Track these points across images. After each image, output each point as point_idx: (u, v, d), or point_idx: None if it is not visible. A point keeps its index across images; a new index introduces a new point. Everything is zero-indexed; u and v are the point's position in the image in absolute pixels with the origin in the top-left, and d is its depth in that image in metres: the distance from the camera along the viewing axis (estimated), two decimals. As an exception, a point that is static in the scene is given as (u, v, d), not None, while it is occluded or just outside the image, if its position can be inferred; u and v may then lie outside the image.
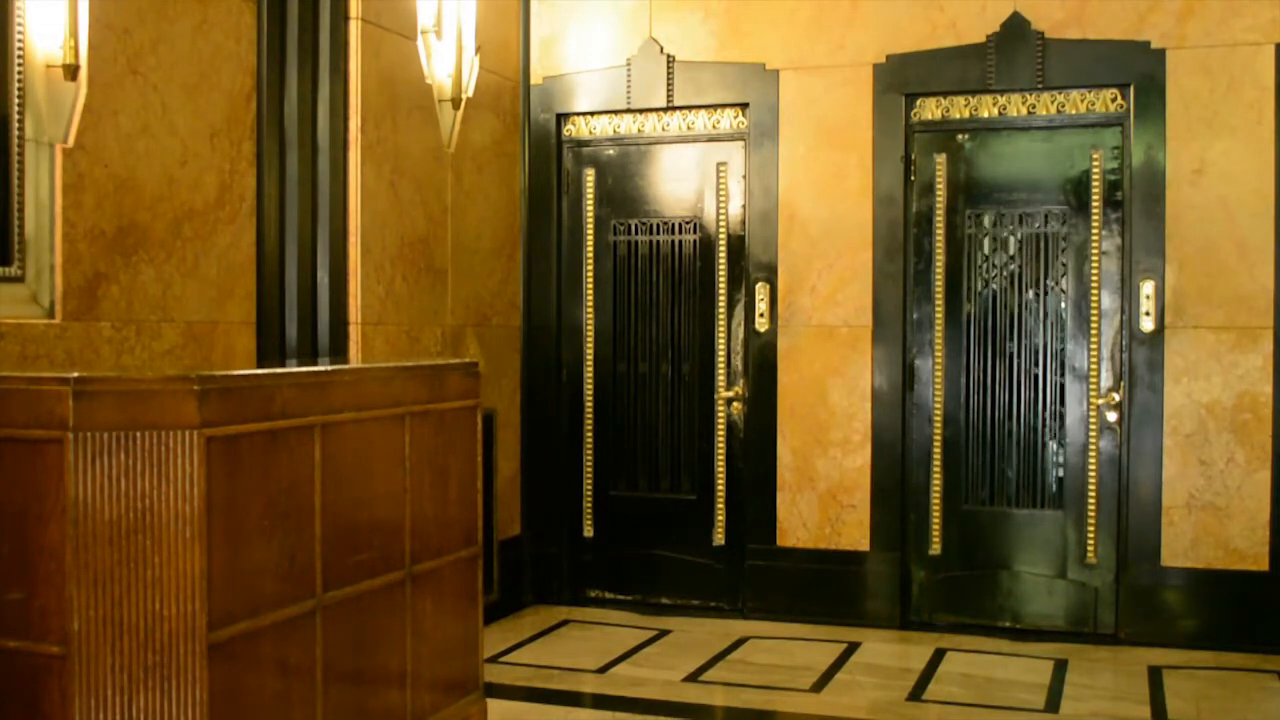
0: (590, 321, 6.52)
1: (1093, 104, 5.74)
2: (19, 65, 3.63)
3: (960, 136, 6.40)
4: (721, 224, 6.30)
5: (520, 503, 6.48)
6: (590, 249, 6.51)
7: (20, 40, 3.63)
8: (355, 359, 4.95)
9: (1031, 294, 6.39)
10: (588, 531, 6.53)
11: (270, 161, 4.70)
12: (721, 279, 6.30)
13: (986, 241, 6.33)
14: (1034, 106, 5.81)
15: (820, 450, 6.08)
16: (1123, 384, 5.71)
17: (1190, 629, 5.60)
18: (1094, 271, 5.91)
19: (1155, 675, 5.22)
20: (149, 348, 4.08)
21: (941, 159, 6.09)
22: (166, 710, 2.80)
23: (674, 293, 6.41)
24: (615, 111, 6.43)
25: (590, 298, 6.51)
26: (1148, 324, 5.60)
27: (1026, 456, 6.13)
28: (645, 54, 6.31)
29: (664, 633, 5.98)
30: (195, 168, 4.32)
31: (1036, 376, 6.42)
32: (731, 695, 5.05)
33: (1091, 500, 6.08)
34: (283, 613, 3.11)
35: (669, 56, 6.27)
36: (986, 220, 6.23)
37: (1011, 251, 6.27)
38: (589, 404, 6.53)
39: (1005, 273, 6.35)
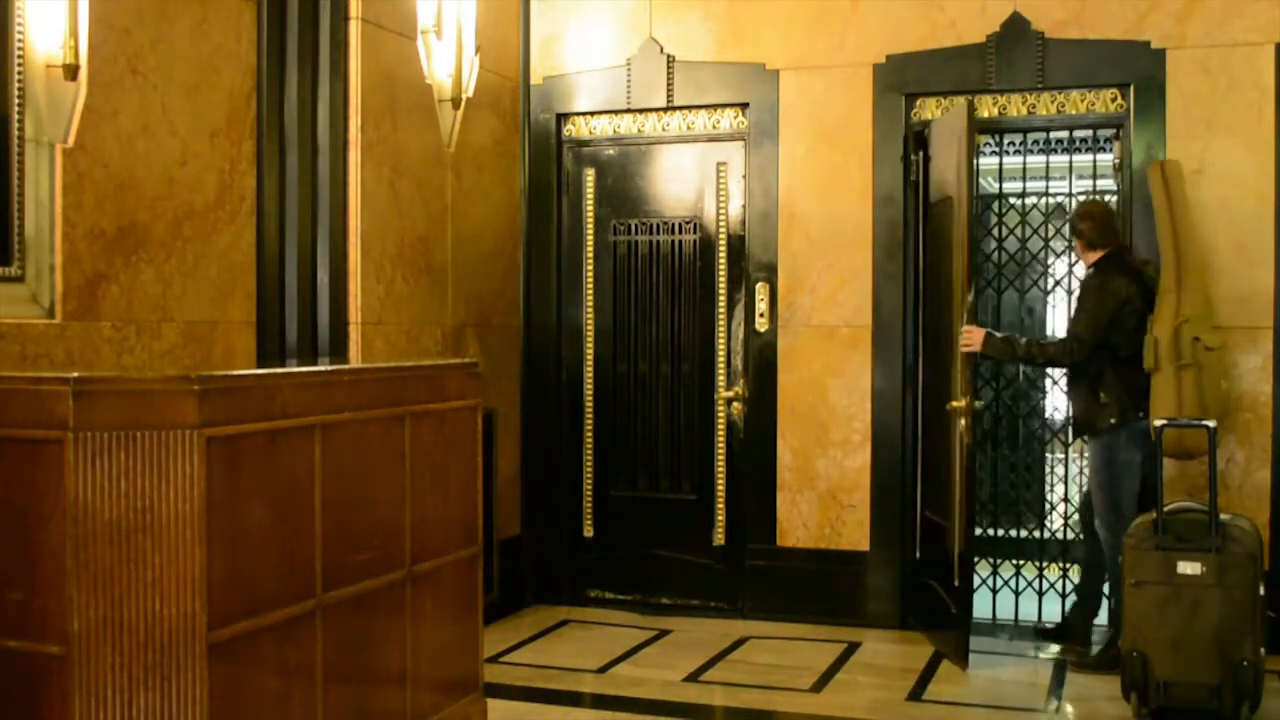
0: (590, 321, 6.51)
1: (1093, 104, 5.73)
2: (19, 65, 3.63)
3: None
4: (721, 224, 6.29)
5: (520, 503, 6.48)
6: (590, 249, 6.50)
7: (20, 40, 3.63)
8: (355, 359, 4.95)
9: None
10: (588, 531, 6.53)
11: (270, 161, 4.70)
12: (721, 279, 6.29)
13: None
14: (1034, 106, 5.80)
15: (820, 450, 6.07)
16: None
17: (1190, 629, 5.58)
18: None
19: (1155, 675, 5.20)
20: (149, 348, 4.08)
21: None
22: (166, 710, 2.80)
23: (674, 293, 6.40)
24: (615, 111, 6.42)
25: (590, 298, 6.51)
26: (1148, 324, 5.58)
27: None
28: (645, 54, 6.31)
29: (664, 633, 5.98)
30: (195, 168, 4.32)
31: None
32: (731, 695, 5.05)
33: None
34: (283, 613, 3.10)
35: (669, 56, 6.27)
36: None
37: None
38: (589, 404, 6.52)
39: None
